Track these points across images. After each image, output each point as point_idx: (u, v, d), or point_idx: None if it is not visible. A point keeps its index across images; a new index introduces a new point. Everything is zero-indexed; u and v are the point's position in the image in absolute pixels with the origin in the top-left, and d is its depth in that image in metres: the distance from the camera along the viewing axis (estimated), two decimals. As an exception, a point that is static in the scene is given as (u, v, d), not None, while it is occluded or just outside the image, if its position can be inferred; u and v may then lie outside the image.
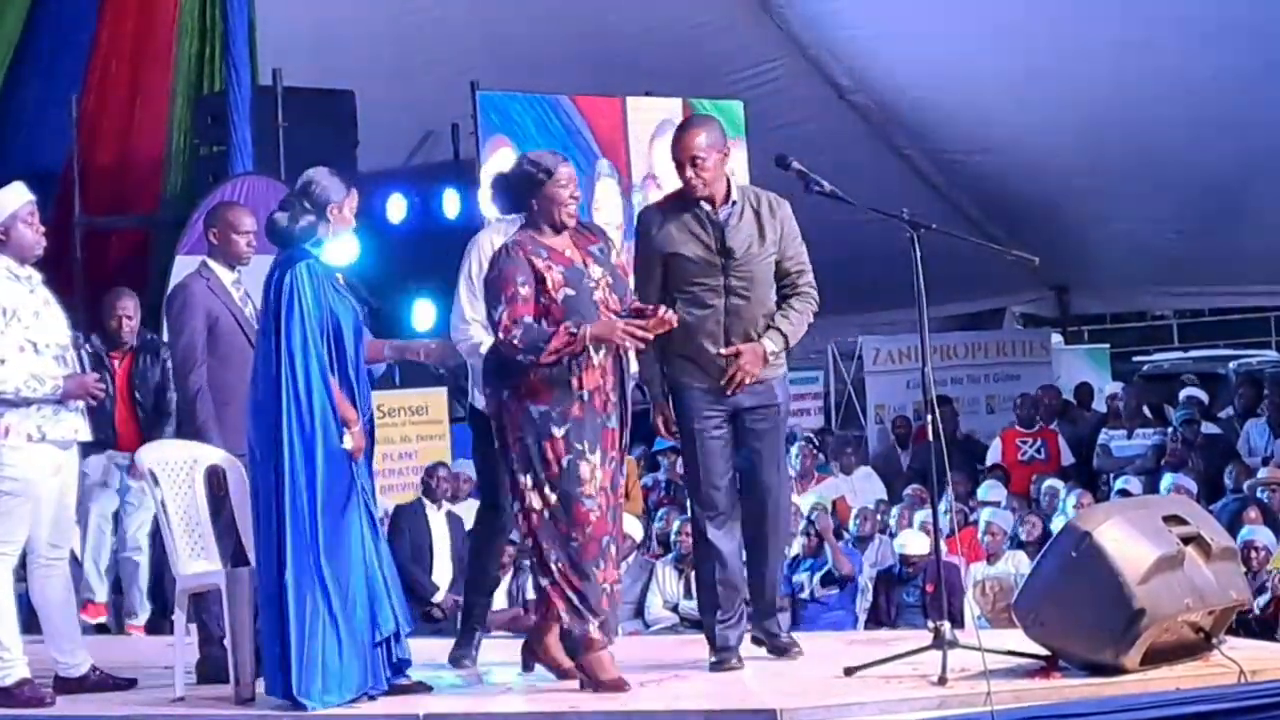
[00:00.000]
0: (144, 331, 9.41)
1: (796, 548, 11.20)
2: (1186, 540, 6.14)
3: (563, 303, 6.22)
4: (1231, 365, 19.68)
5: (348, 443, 6.31)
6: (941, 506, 9.43)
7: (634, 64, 14.26)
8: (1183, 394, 15.51)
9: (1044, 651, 6.11)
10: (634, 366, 6.61)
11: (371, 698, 6.28)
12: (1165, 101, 14.15)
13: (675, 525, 11.47)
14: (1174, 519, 6.22)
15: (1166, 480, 12.11)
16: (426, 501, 11.17)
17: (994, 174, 16.07)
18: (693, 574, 8.27)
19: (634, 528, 11.07)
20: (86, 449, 7.54)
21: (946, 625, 6.21)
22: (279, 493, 6.22)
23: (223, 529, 6.84)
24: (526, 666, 6.70)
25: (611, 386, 6.33)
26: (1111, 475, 13.41)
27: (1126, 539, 6.00)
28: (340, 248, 6.80)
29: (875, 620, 11.18)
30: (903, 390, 16.13)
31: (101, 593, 9.25)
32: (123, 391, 9.16)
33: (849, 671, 6.22)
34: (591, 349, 6.23)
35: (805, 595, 11.10)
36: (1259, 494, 11.91)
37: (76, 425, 6.80)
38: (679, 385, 6.61)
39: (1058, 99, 14.50)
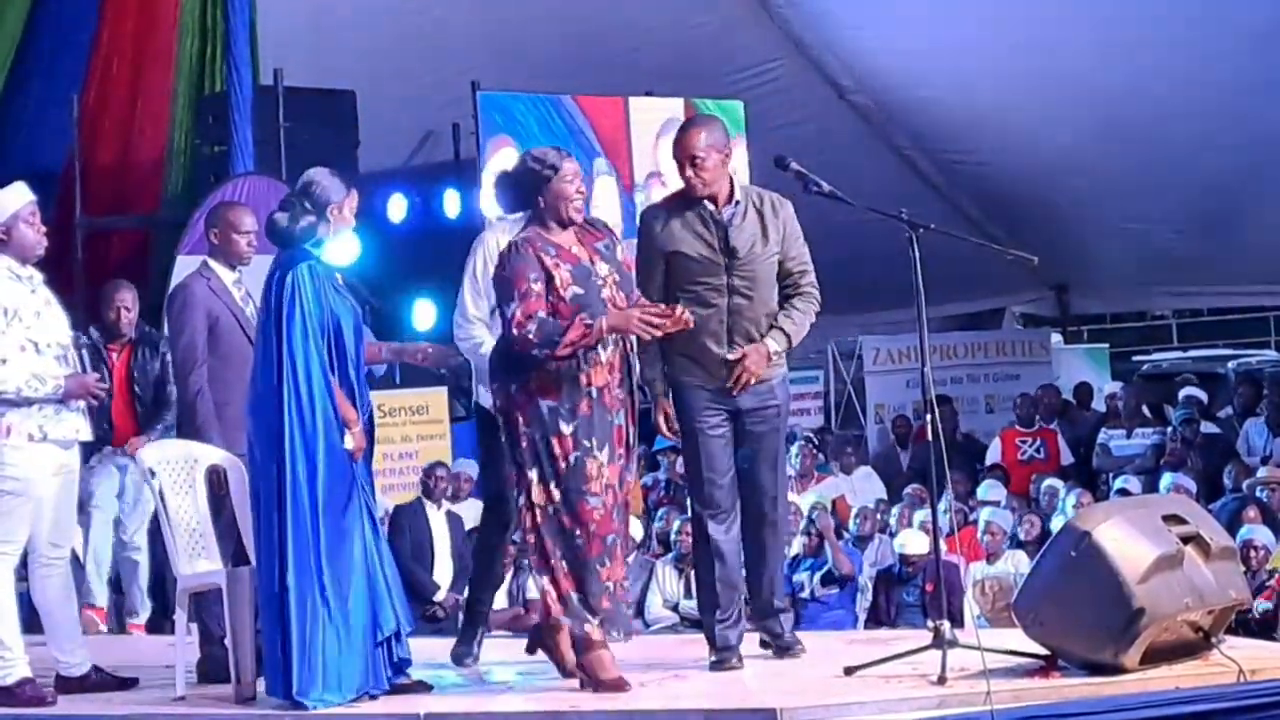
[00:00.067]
0: (142, 324, 9.38)
1: (797, 547, 11.22)
2: (1186, 540, 6.15)
3: (571, 301, 6.20)
4: (1231, 365, 19.69)
5: (348, 443, 6.31)
6: (941, 506, 9.47)
7: (634, 64, 14.26)
8: (1182, 394, 15.52)
9: (1044, 651, 6.11)
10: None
11: (372, 697, 6.29)
12: (1165, 102, 14.15)
13: (675, 525, 11.48)
14: (1173, 518, 6.22)
15: (1166, 480, 12.11)
16: (426, 501, 11.19)
17: (994, 174, 16.06)
18: (692, 573, 8.28)
19: (633, 527, 11.07)
20: (87, 448, 7.54)
21: (946, 625, 6.21)
22: (280, 492, 6.22)
23: (223, 529, 6.84)
24: (530, 650, 6.71)
25: (620, 384, 6.33)
26: (1111, 475, 13.42)
27: (1126, 538, 6.01)
28: (341, 247, 6.80)
29: (875, 620, 11.20)
30: (903, 390, 16.14)
31: (103, 598, 9.18)
32: (121, 384, 9.07)
33: (849, 671, 6.23)
34: (600, 346, 6.22)
35: (805, 595, 11.12)
36: (1258, 493, 11.93)
37: (78, 425, 6.81)
38: (680, 384, 6.61)
39: (1058, 99, 14.50)
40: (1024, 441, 14.56)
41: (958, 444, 14.46)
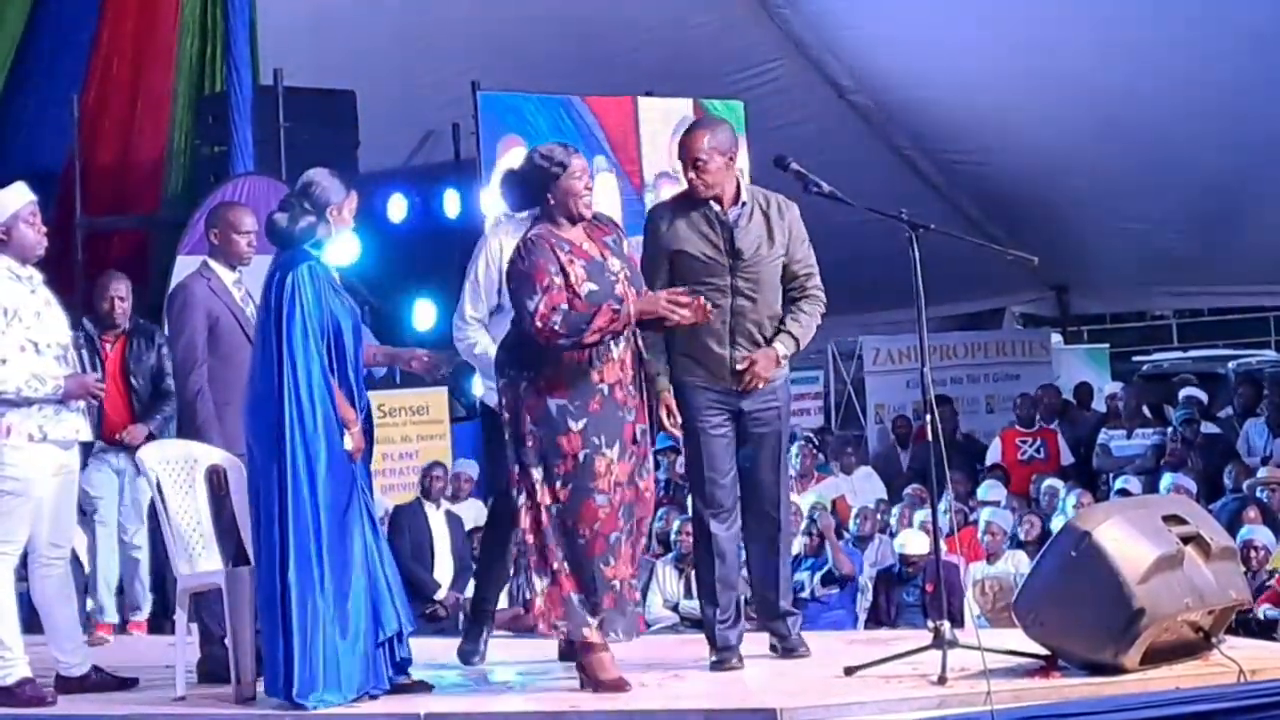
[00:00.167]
0: (136, 315, 9.33)
1: (797, 547, 11.21)
2: (1186, 540, 6.15)
3: (586, 297, 6.19)
4: (1231, 365, 19.70)
5: (347, 443, 6.32)
6: (941, 506, 9.47)
7: (634, 64, 14.26)
8: (1182, 394, 15.51)
9: (1044, 651, 6.11)
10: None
11: (373, 697, 6.29)
12: (1165, 101, 14.14)
13: (675, 525, 11.48)
14: (1173, 519, 6.23)
15: (1166, 480, 12.11)
16: (425, 501, 11.19)
17: (994, 174, 16.06)
18: (693, 573, 8.28)
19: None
20: (87, 449, 7.53)
21: (946, 625, 6.22)
22: (280, 493, 6.23)
23: (223, 529, 6.85)
24: (562, 659, 6.72)
25: (631, 380, 6.32)
26: (1111, 475, 13.42)
27: (1126, 539, 6.01)
28: (341, 248, 6.81)
29: (875, 620, 11.20)
30: (903, 390, 16.15)
31: (113, 614, 9.06)
32: (115, 374, 8.91)
33: (849, 671, 6.23)
34: (612, 342, 6.22)
35: (805, 595, 11.11)
36: (1258, 493, 11.93)
37: (78, 425, 6.81)
38: (682, 384, 6.61)
39: (1058, 99, 14.49)
40: (1024, 441, 14.56)
41: (958, 444, 14.46)
